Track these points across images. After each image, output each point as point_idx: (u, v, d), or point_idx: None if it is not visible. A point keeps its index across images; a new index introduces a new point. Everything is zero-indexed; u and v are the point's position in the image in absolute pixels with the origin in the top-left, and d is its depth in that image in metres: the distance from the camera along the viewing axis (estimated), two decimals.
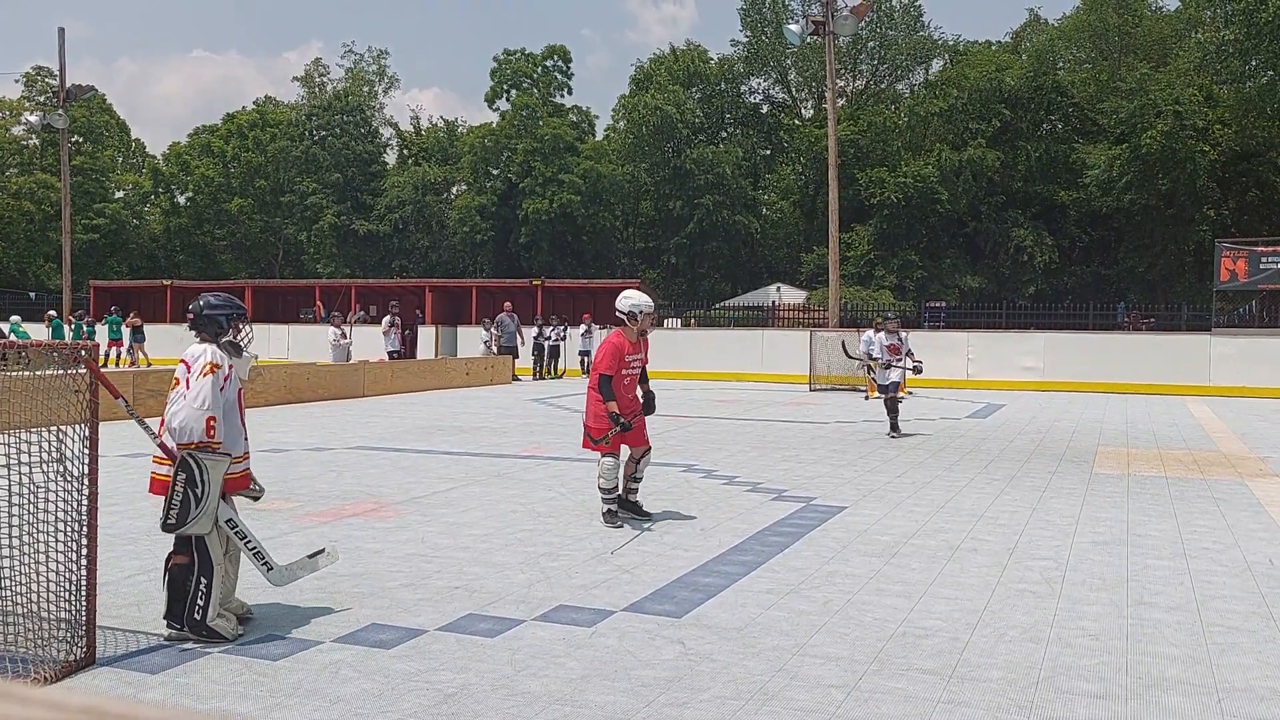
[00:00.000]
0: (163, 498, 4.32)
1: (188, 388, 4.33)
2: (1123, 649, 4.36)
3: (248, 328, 4.69)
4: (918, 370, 12.53)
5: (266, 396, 15.84)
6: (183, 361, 4.46)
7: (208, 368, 4.37)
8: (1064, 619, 4.78)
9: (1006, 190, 44.31)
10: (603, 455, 6.87)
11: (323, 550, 4.80)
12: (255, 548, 4.52)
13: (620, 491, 7.04)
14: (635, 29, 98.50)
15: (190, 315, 4.61)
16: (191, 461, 4.24)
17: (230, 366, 4.51)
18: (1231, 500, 8.11)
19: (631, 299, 7.00)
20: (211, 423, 4.30)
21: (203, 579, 4.31)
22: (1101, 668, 4.12)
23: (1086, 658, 4.24)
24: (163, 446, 4.36)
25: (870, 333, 20.30)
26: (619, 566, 5.71)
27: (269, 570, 4.55)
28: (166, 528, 4.27)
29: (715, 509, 7.50)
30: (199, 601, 4.29)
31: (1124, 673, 4.07)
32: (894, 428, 12.39)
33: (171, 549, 4.50)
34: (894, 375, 12.63)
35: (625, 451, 7.06)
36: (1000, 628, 4.64)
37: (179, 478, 4.23)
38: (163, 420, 4.40)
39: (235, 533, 4.46)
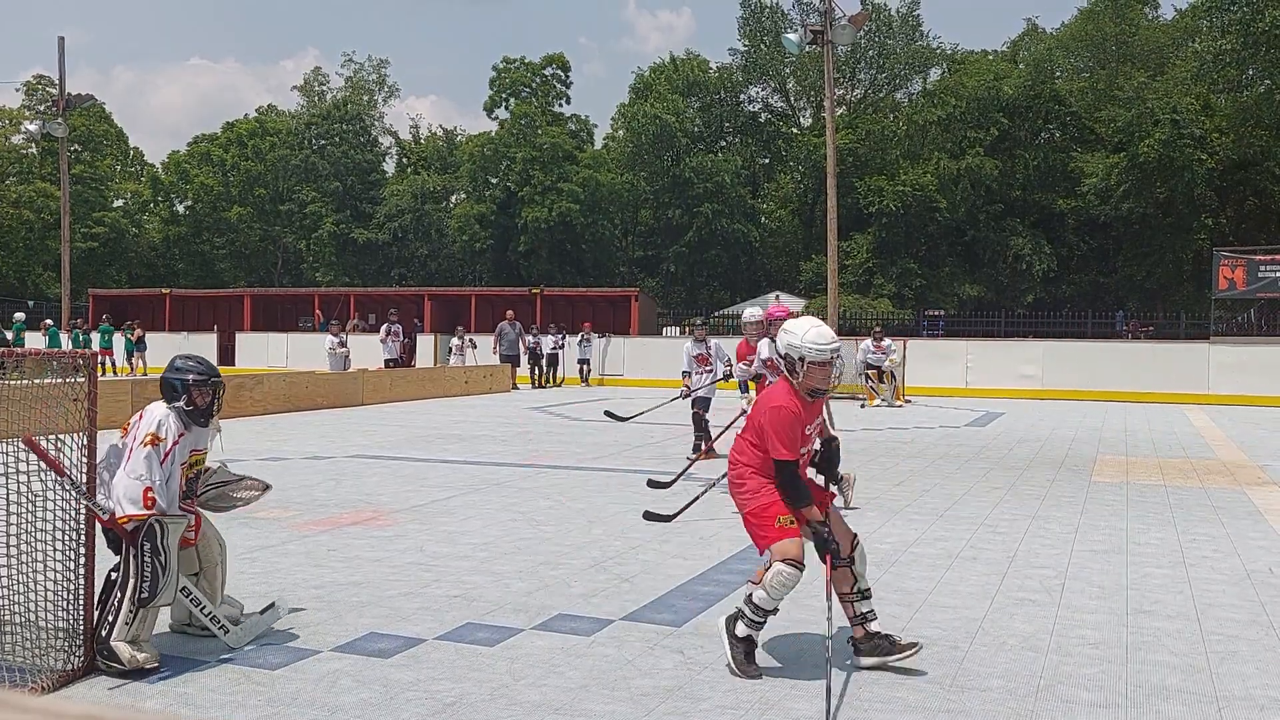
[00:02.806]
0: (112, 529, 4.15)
1: (129, 457, 4.18)
2: (1122, 658, 4.35)
3: (214, 396, 4.39)
4: (728, 377, 11.33)
5: (265, 405, 15.84)
6: (140, 413, 4.33)
7: (149, 439, 4.19)
8: (1063, 628, 4.77)
9: (1005, 199, 44.40)
10: (775, 559, 4.03)
11: (272, 605, 4.65)
12: (211, 613, 4.34)
13: (846, 617, 4.21)
14: (632, 37, 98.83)
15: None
16: (157, 526, 4.10)
17: (179, 438, 4.28)
18: (1230, 508, 8.11)
19: (792, 332, 4.14)
20: (148, 493, 4.11)
21: (118, 593, 4.12)
22: (1101, 676, 4.12)
23: (1086, 666, 4.23)
24: (112, 519, 4.12)
25: (869, 341, 20.37)
26: (618, 575, 5.70)
27: (226, 633, 4.34)
28: (141, 602, 4.07)
29: (714, 517, 7.49)
30: (108, 617, 4.08)
31: (1124, 681, 4.06)
32: (696, 448, 10.69)
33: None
34: (701, 389, 11.01)
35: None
36: (1000, 636, 4.63)
37: (144, 547, 4.07)
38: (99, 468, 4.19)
39: (190, 600, 4.28)
